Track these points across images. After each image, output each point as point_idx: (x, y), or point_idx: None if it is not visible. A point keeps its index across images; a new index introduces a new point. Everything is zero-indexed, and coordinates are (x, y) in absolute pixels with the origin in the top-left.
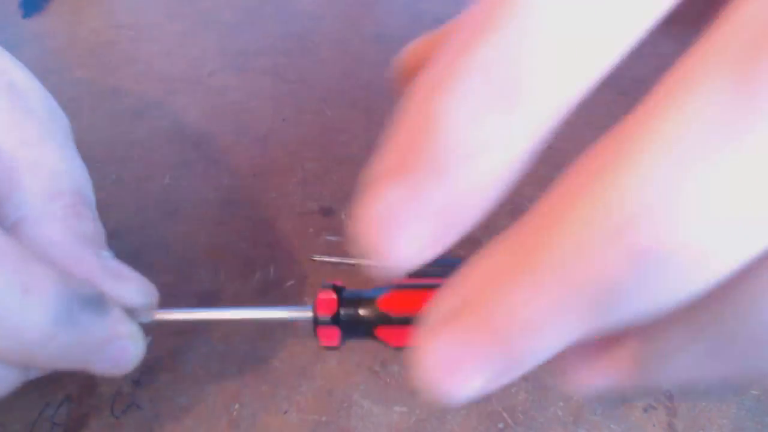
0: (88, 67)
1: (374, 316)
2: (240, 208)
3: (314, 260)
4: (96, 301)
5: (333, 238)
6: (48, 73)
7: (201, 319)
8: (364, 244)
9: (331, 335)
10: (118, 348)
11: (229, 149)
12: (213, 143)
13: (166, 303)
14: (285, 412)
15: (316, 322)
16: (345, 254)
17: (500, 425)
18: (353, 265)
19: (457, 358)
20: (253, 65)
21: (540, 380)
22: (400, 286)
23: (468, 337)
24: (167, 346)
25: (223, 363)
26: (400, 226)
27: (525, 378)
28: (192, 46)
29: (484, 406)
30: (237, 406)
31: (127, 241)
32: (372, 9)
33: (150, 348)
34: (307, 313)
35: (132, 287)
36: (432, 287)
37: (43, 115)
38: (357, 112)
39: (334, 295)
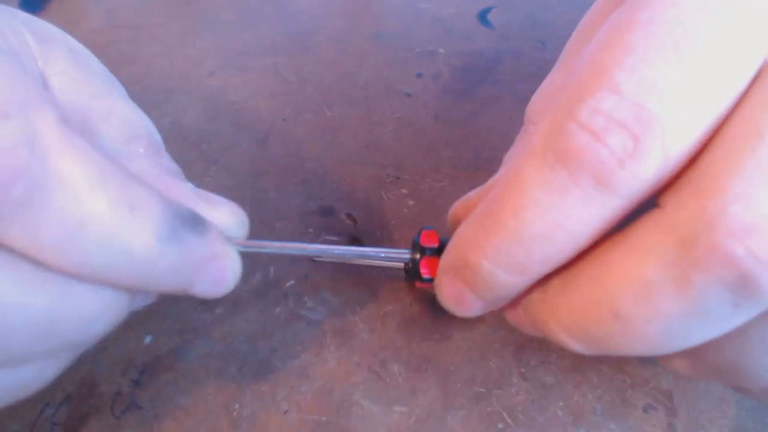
0: None
1: None
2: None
3: (314, 260)
4: (196, 221)
5: (333, 238)
6: None
7: (292, 253)
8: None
9: (433, 265)
10: (219, 267)
11: (229, 149)
12: (213, 143)
13: (165, 304)
14: (285, 412)
15: (422, 252)
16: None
17: (500, 425)
18: (353, 265)
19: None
20: (253, 65)
21: (540, 380)
22: None
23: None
24: (167, 346)
25: (223, 363)
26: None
27: (525, 378)
28: (192, 46)
29: (484, 406)
30: (237, 406)
31: None
32: (372, 9)
33: (150, 348)
34: (402, 254)
35: (225, 212)
36: None
37: (103, 74)
38: (357, 112)
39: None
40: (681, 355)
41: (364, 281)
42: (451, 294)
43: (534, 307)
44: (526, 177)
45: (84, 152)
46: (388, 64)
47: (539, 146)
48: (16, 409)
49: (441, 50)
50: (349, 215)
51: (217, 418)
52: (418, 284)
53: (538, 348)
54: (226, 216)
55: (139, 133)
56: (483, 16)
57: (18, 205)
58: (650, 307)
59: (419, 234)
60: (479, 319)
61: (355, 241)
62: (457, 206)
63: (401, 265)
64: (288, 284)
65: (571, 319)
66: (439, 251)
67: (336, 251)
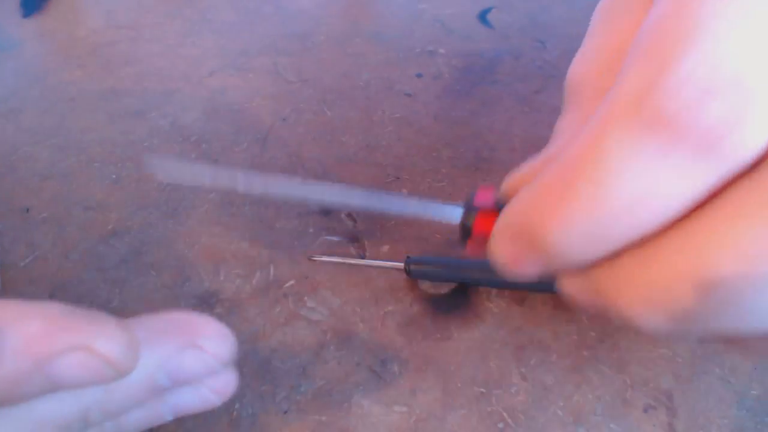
0: (88, 67)
1: None
2: (240, 208)
3: (314, 260)
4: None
5: (333, 238)
6: (48, 73)
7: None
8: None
9: (489, 223)
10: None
11: (229, 149)
12: (213, 143)
13: (166, 304)
14: (285, 412)
15: (475, 210)
16: (345, 254)
17: (500, 425)
18: (353, 265)
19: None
20: (253, 65)
21: (540, 380)
22: None
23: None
24: None
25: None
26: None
27: (525, 378)
28: (192, 46)
29: (484, 406)
30: (237, 406)
31: (127, 241)
32: (372, 9)
33: None
34: (455, 210)
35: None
36: None
37: None
38: (357, 112)
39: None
40: None
41: (364, 281)
42: (507, 254)
43: (604, 278)
44: (611, 138)
45: None
46: (388, 64)
47: (629, 102)
48: None
49: (441, 50)
50: (349, 215)
51: (217, 418)
52: (469, 246)
53: (538, 348)
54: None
55: None
56: (483, 17)
57: None
58: (757, 271)
59: (474, 192)
60: (479, 319)
61: (355, 240)
62: (512, 180)
63: (401, 265)
64: (288, 284)
65: (654, 291)
66: (494, 210)
67: (376, 202)
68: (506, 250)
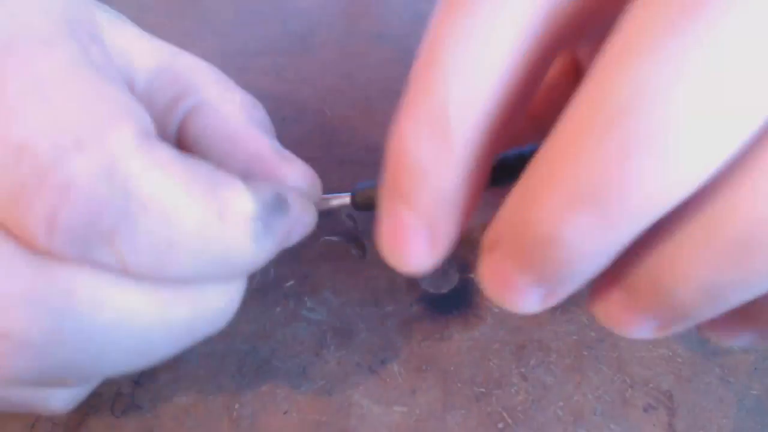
0: None
1: None
2: None
3: (313, 261)
4: (281, 202)
5: (333, 238)
6: None
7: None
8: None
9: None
10: (303, 225)
11: None
12: None
13: None
14: (285, 412)
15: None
16: (344, 253)
17: (500, 425)
18: (353, 265)
19: (505, 278)
20: (253, 65)
21: (540, 380)
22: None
23: (505, 263)
24: None
25: (223, 363)
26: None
27: (525, 378)
28: (192, 46)
29: (484, 406)
30: (237, 406)
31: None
32: (372, 9)
33: None
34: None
35: (299, 173)
36: None
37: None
38: (357, 112)
39: None
40: None
41: (364, 281)
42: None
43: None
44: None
45: (165, 167)
46: (388, 64)
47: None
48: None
49: None
50: (349, 215)
51: (217, 418)
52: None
53: (538, 348)
54: (301, 179)
55: (232, 86)
56: None
57: (106, 236)
58: None
59: None
60: (479, 319)
61: (355, 240)
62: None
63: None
64: (288, 284)
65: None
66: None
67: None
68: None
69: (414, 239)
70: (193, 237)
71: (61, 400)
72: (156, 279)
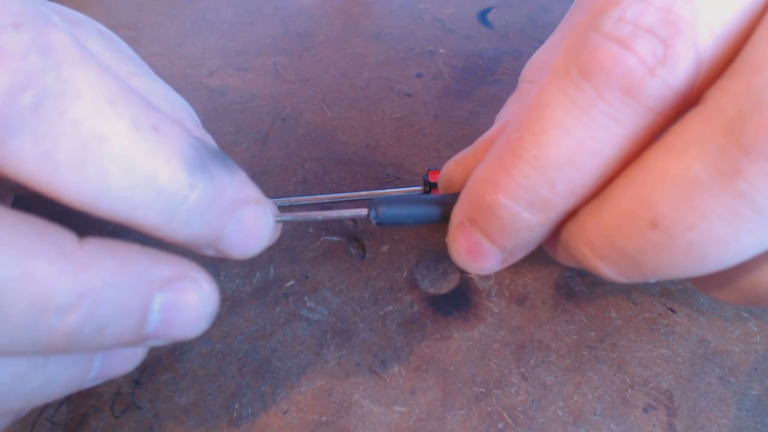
0: None
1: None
2: None
3: (313, 261)
4: (225, 158)
5: (333, 239)
6: None
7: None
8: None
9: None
10: (252, 214)
11: (229, 149)
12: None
13: None
14: (285, 412)
15: (432, 185)
16: (344, 253)
17: (500, 425)
18: (353, 265)
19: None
20: (252, 65)
21: (540, 380)
22: None
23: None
24: (167, 346)
25: (223, 363)
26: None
27: (525, 378)
28: (192, 46)
29: (484, 406)
30: (237, 406)
31: (127, 241)
32: (372, 9)
33: (150, 348)
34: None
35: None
36: None
37: (134, 56)
38: (357, 112)
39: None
40: (724, 277)
41: (364, 281)
42: (465, 247)
43: (565, 233)
44: (547, 99)
45: (102, 68)
46: (388, 64)
47: (561, 64)
48: None
49: (441, 50)
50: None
51: (217, 418)
52: None
53: (538, 348)
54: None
55: (182, 115)
56: (483, 16)
57: (29, 113)
58: (693, 208)
59: (426, 174)
60: (479, 319)
61: (355, 240)
62: (449, 166)
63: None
64: (288, 284)
65: (604, 237)
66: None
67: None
68: (464, 241)
69: (489, 258)
70: (124, 138)
71: None
72: (73, 195)
